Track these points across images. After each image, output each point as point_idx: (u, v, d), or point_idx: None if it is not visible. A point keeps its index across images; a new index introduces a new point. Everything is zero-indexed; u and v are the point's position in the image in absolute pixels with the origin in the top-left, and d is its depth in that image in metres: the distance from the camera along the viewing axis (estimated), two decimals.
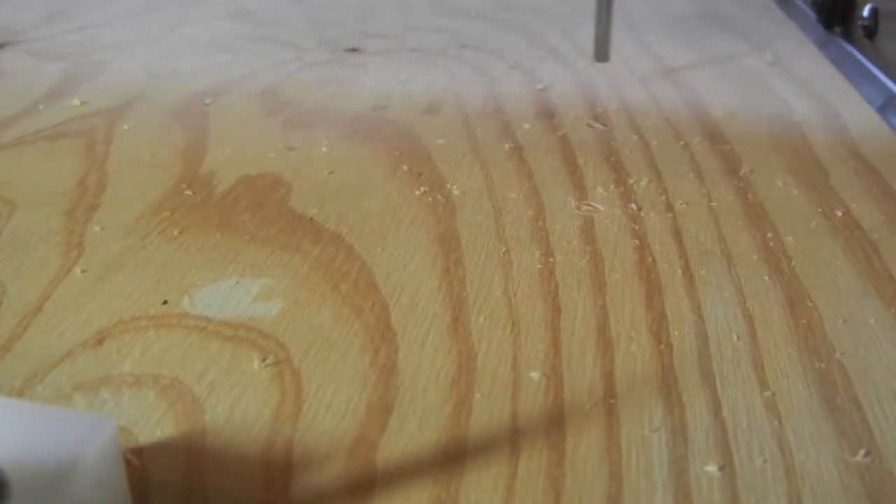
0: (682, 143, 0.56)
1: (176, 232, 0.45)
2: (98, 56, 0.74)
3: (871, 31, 0.70)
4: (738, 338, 0.37)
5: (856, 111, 0.62)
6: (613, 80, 0.69)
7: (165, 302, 0.39)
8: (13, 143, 0.56)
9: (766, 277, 0.42)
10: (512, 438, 0.32)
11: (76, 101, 0.63)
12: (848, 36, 0.76)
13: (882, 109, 0.63)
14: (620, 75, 0.70)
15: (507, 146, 0.56)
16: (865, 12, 0.70)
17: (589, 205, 0.48)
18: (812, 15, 0.86)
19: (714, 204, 0.48)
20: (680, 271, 0.42)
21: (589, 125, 0.59)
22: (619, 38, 0.80)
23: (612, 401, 0.33)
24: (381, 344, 0.37)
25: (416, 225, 0.46)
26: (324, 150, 0.55)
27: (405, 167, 0.53)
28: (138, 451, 0.31)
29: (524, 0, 0.95)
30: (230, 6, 0.91)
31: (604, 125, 0.59)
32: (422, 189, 0.50)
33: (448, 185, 0.50)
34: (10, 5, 0.92)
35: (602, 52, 0.73)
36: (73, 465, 0.26)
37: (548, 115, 0.61)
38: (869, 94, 0.67)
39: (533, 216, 0.47)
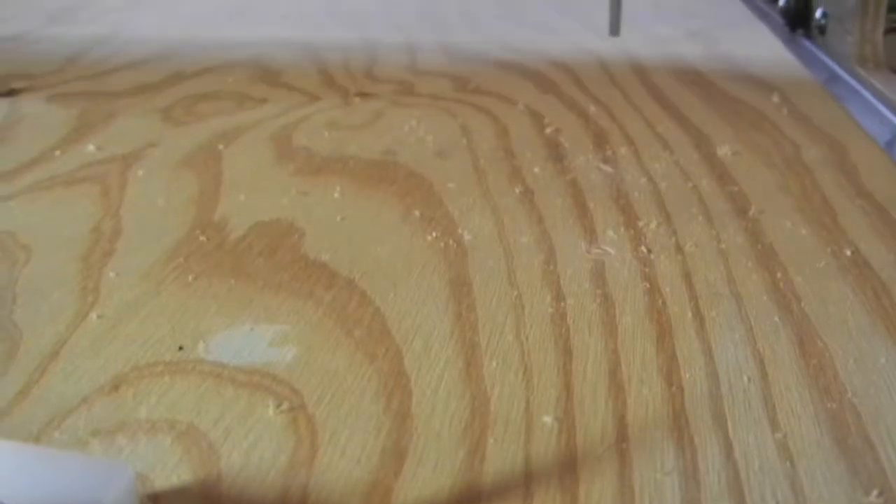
0: (690, 184, 0.57)
1: (190, 278, 0.46)
2: (113, 102, 0.75)
3: (823, 29, 0.91)
4: (750, 379, 0.37)
5: (862, 149, 0.63)
6: (622, 122, 0.69)
7: (181, 348, 0.40)
8: (30, 188, 0.57)
9: (776, 318, 0.42)
10: (525, 482, 0.32)
11: (91, 147, 0.64)
12: (808, 35, 0.96)
13: (889, 146, 0.64)
14: (628, 118, 0.71)
15: (517, 190, 0.56)
16: (818, 14, 0.91)
17: (599, 248, 0.49)
18: (820, 55, 0.90)
19: (723, 245, 0.49)
20: (690, 313, 0.42)
21: (598, 168, 0.60)
22: (626, 77, 0.81)
23: (625, 444, 0.34)
24: (394, 389, 0.37)
25: (429, 270, 0.47)
26: (336, 195, 0.56)
27: (417, 212, 0.53)
28: (155, 498, 0.31)
29: (534, 45, 0.96)
30: (242, 53, 0.92)
31: (613, 168, 0.60)
32: (433, 234, 0.50)
33: (460, 230, 0.51)
34: (29, 51, 0.94)
35: (614, 28, 0.78)
36: None
37: (557, 158, 0.62)
38: (875, 130, 0.67)
39: (544, 260, 0.47)
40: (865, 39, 0.79)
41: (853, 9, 0.81)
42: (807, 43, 0.96)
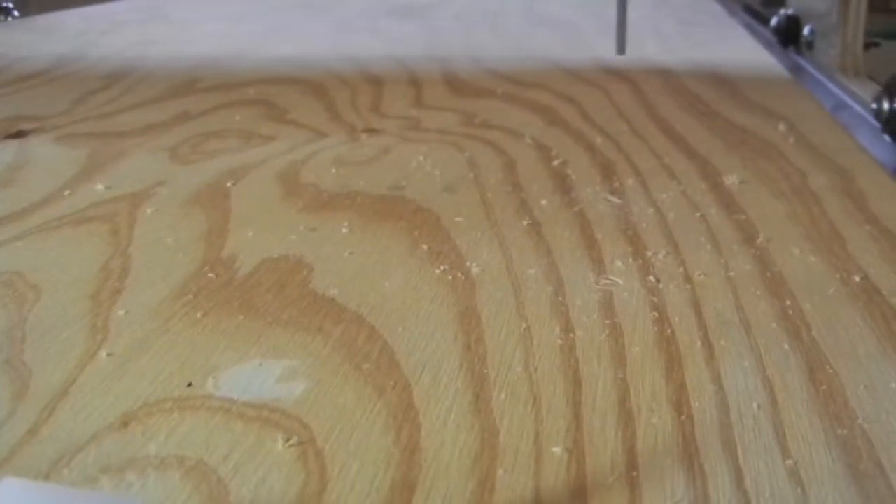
0: (698, 214, 0.57)
1: (199, 315, 0.46)
2: (121, 141, 0.75)
3: (811, 45, 1.03)
4: (759, 406, 0.37)
5: (870, 176, 0.63)
6: (628, 153, 0.70)
7: (190, 384, 0.40)
8: (39, 228, 0.57)
9: (785, 345, 0.42)
10: None
11: (100, 187, 0.64)
12: (798, 51, 1.08)
13: None
14: (635, 149, 0.71)
15: (525, 223, 0.56)
16: (806, 31, 1.04)
17: (608, 279, 0.49)
18: (825, 81, 0.94)
19: (732, 274, 0.49)
20: (699, 342, 0.42)
21: (606, 199, 0.60)
22: (632, 108, 0.81)
23: (635, 473, 0.33)
24: (403, 422, 0.37)
25: (437, 303, 0.47)
26: (344, 231, 0.56)
27: (425, 246, 0.53)
28: None
29: (539, 78, 0.97)
30: (249, 94, 0.93)
31: (620, 199, 0.60)
32: (441, 267, 0.50)
33: (468, 263, 0.51)
34: (37, 92, 0.94)
35: (621, 47, 0.92)
36: None
37: (565, 190, 0.62)
38: (883, 157, 0.67)
39: (552, 292, 0.47)
40: (847, 52, 0.92)
41: (835, 25, 0.93)
42: (797, 57, 1.08)
